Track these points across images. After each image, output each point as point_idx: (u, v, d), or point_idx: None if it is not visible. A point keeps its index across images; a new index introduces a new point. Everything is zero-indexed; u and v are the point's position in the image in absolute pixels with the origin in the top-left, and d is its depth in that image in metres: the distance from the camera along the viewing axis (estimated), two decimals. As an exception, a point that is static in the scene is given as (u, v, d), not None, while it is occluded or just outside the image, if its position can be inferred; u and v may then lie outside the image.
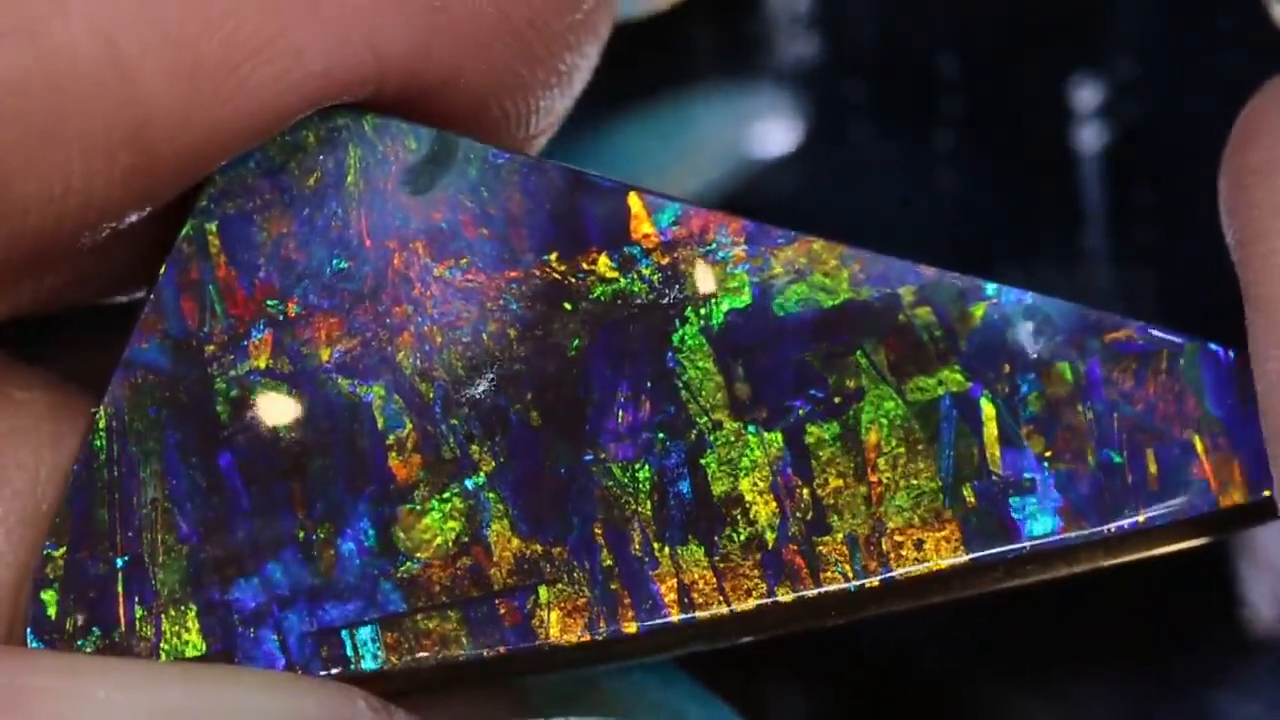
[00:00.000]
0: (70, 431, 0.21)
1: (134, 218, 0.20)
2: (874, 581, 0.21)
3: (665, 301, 0.21)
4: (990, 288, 0.21)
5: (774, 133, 0.33)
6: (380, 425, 0.21)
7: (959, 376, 0.21)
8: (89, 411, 0.21)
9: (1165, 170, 0.32)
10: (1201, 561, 0.30)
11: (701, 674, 0.23)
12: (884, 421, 0.21)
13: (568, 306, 0.21)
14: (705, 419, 0.21)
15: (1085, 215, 0.32)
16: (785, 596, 0.21)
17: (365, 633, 0.20)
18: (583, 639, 0.20)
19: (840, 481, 0.21)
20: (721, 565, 0.21)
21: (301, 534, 0.20)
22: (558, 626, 0.20)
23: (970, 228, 0.33)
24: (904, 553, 0.21)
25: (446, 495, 0.20)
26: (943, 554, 0.21)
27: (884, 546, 0.21)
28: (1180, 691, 0.31)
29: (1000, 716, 0.32)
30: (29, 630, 0.20)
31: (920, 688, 0.32)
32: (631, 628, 0.20)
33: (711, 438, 0.21)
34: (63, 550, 0.20)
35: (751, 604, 0.20)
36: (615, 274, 0.21)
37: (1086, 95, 0.32)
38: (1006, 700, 0.32)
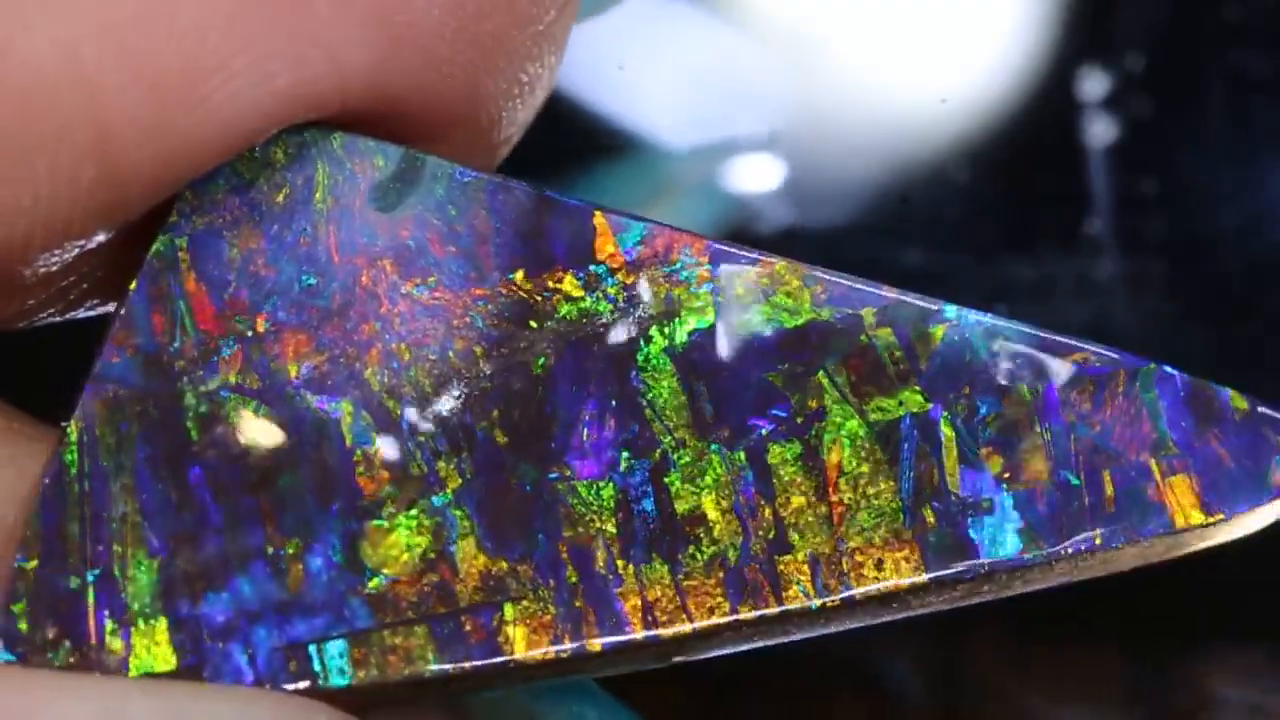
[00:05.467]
0: (23, 454, 0.21)
1: (102, 236, 0.20)
2: (835, 600, 0.21)
3: (630, 321, 0.21)
4: (950, 310, 0.21)
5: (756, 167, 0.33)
6: (348, 442, 0.21)
7: (919, 397, 0.21)
8: (37, 433, 0.21)
9: (1171, 162, 0.32)
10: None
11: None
12: (846, 441, 0.21)
13: (534, 325, 0.21)
14: (669, 438, 0.21)
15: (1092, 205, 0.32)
16: (747, 614, 0.21)
17: (333, 648, 0.20)
18: (547, 656, 0.20)
19: (802, 500, 0.21)
20: (685, 583, 0.21)
21: (270, 549, 0.20)
22: (523, 643, 0.20)
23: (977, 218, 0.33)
24: (864, 572, 0.21)
25: (414, 511, 0.21)
26: (902, 573, 0.21)
27: (844, 565, 0.21)
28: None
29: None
30: (0, 643, 0.20)
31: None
32: (596, 645, 0.21)
33: (675, 456, 0.21)
34: (34, 563, 0.20)
35: (714, 621, 0.21)
36: (581, 293, 0.21)
37: (1094, 86, 0.33)
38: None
